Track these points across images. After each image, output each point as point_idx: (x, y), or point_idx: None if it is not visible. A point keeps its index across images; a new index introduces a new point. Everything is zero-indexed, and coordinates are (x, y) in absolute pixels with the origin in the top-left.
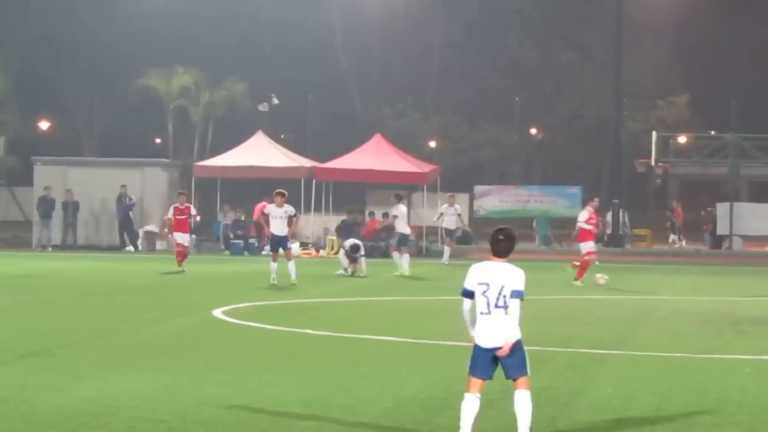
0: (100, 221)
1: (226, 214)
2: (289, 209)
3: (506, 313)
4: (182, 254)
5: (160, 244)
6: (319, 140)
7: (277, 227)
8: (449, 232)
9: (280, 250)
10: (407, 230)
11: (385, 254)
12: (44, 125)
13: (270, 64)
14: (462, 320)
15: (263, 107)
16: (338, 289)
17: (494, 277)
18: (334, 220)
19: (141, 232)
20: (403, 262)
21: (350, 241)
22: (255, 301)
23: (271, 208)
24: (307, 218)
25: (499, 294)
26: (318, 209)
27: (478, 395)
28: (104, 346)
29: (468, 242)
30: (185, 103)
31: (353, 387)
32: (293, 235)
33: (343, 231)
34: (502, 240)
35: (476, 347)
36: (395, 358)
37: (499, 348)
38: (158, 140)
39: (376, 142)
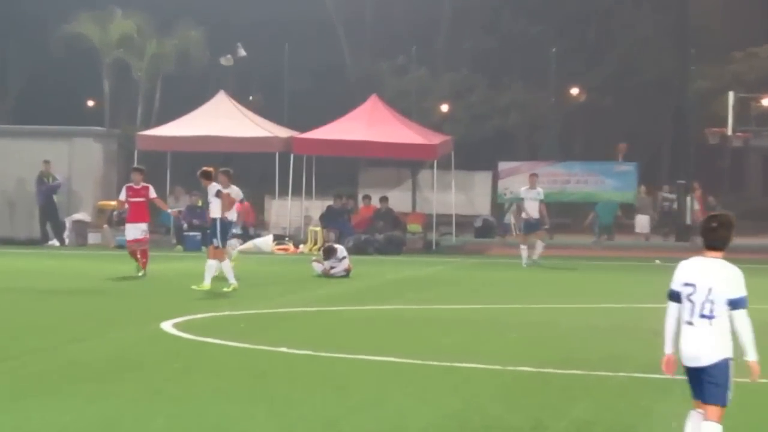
0: (16, 208)
1: (179, 199)
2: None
3: (711, 324)
4: (144, 252)
5: (93, 238)
6: (299, 103)
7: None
8: (531, 225)
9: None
10: None
11: (383, 249)
12: None
13: (235, 4)
14: (663, 328)
15: (226, 60)
16: (320, 295)
17: (702, 277)
18: (317, 207)
19: (68, 222)
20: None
21: (327, 246)
22: (214, 310)
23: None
24: (283, 204)
25: (706, 299)
26: (297, 192)
27: (702, 410)
28: (21, 369)
29: (490, 234)
30: (125, 56)
31: (341, 420)
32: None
33: (329, 220)
34: (716, 228)
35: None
36: (395, 383)
37: (700, 367)
38: (91, 103)
39: (372, 105)
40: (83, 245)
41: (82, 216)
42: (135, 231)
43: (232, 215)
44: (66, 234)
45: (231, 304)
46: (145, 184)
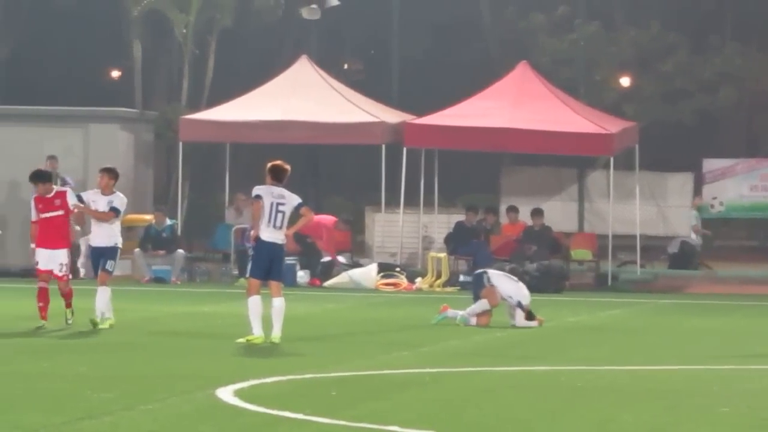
0: (7, 224)
1: (241, 212)
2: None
3: None
4: (44, 294)
5: (118, 266)
6: (413, 75)
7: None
8: None
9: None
10: None
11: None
12: None
13: None
14: None
15: (310, 12)
16: (445, 351)
17: None
18: (440, 224)
19: (83, 244)
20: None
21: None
22: (292, 372)
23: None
24: (392, 219)
25: None
26: (412, 203)
27: None
28: None
29: (691, 264)
30: (163, 6)
31: None
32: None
33: (459, 243)
34: None
35: None
36: None
37: None
38: (115, 74)
39: (520, 78)
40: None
41: None
42: (46, 259)
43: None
44: (80, 261)
45: (315, 363)
46: (60, 189)
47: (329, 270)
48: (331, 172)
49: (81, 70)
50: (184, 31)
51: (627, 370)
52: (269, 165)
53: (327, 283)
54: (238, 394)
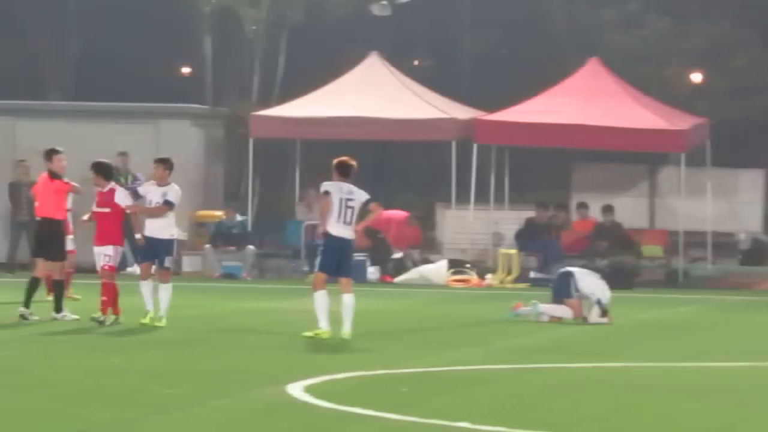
0: (77, 219)
1: (312, 208)
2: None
3: None
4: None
5: (189, 263)
6: (484, 71)
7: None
8: None
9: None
10: None
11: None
12: None
13: None
14: None
15: (381, 9)
16: (515, 347)
17: None
18: (511, 220)
19: None
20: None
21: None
22: (363, 368)
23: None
24: (462, 216)
25: None
26: (482, 200)
27: None
28: None
29: (763, 260)
30: (234, 2)
31: None
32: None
33: (529, 239)
34: None
35: None
36: None
37: None
38: (186, 70)
39: (591, 74)
40: (175, 273)
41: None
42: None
43: (337, 228)
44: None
45: (386, 359)
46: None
47: (400, 266)
48: (401, 168)
49: (152, 66)
50: (255, 27)
51: (697, 367)
52: (336, 161)
53: (397, 279)
54: (309, 390)
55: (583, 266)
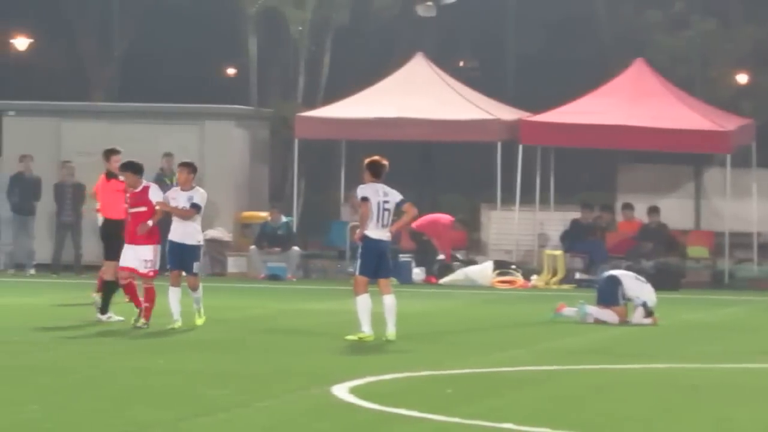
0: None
1: (357, 209)
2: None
3: None
4: (131, 288)
5: (234, 264)
6: (529, 72)
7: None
8: None
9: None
10: None
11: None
12: (20, 44)
13: None
14: None
15: (426, 10)
16: (559, 348)
17: None
18: (556, 221)
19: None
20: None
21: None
22: (408, 369)
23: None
24: (507, 217)
25: None
26: (527, 201)
27: None
28: None
29: None
30: (279, 3)
31: None
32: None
33: (575, 240)
34: None
35: None
36: None
37: None
38: (231, 71)
39: (636, 75)
40: (220, 275)
41: (217, 233)
42: (133, 257)
43: (375, 232)
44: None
45: (431, 361)
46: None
47: (445, 268)
48: (446, 169)
49: (197, 67)
50: (300, 28)
51: (743, 368)
52: (367, 161)
53: (442, 281)
54: (354, 391)
55: (628, 268)
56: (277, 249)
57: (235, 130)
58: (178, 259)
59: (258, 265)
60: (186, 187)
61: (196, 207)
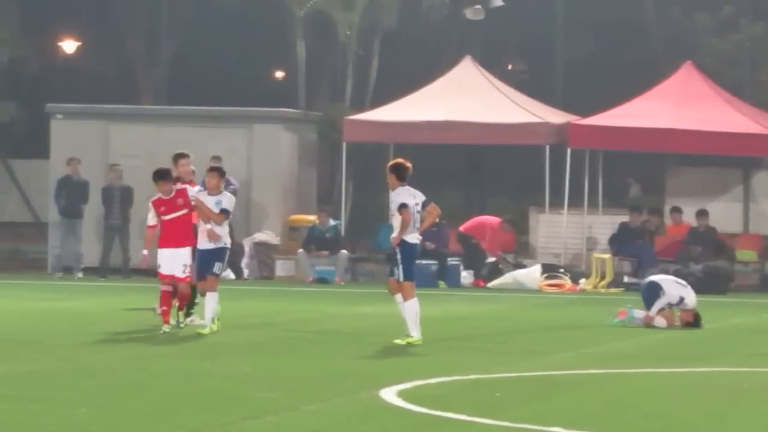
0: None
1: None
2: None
3: None
4: (167, 298)
5: (282, 267)
6: (577, 76)
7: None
8: None
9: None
10: None
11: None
12: (68, 47)
13: None
14: None
15: (474, 13)
16: (608, 352)
17: None
18: (605, 224)
19: (247, 245)
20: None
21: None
22: (456, 373)
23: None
24: (556, 220)
25: None
26: (576, 204)
27: None
28: None
29: None
30: (328, 7)
31: None
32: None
33: (623, 243)
34: None
35: None
36: None
37: None
38: (279, 74)
39: (684, 78)
40: (269, 278)
41: (266, 236)
42: (169, 263)
43: (412, 236)
44: (244, 262)
45: (479, 364)
46: (185, 185)
47: (494, 271)
48: (494, 172)
49: (245, 70)
50: (349, 31)
51: None
52: (392, 164)
53: (491, 284)
54: (402, 394)
55: (677, 271)
56: (325, 252)
57: (284, 133)
58: (208, 264)
59: (306, 268)
60: (213, 191)
61: (225, 212)
